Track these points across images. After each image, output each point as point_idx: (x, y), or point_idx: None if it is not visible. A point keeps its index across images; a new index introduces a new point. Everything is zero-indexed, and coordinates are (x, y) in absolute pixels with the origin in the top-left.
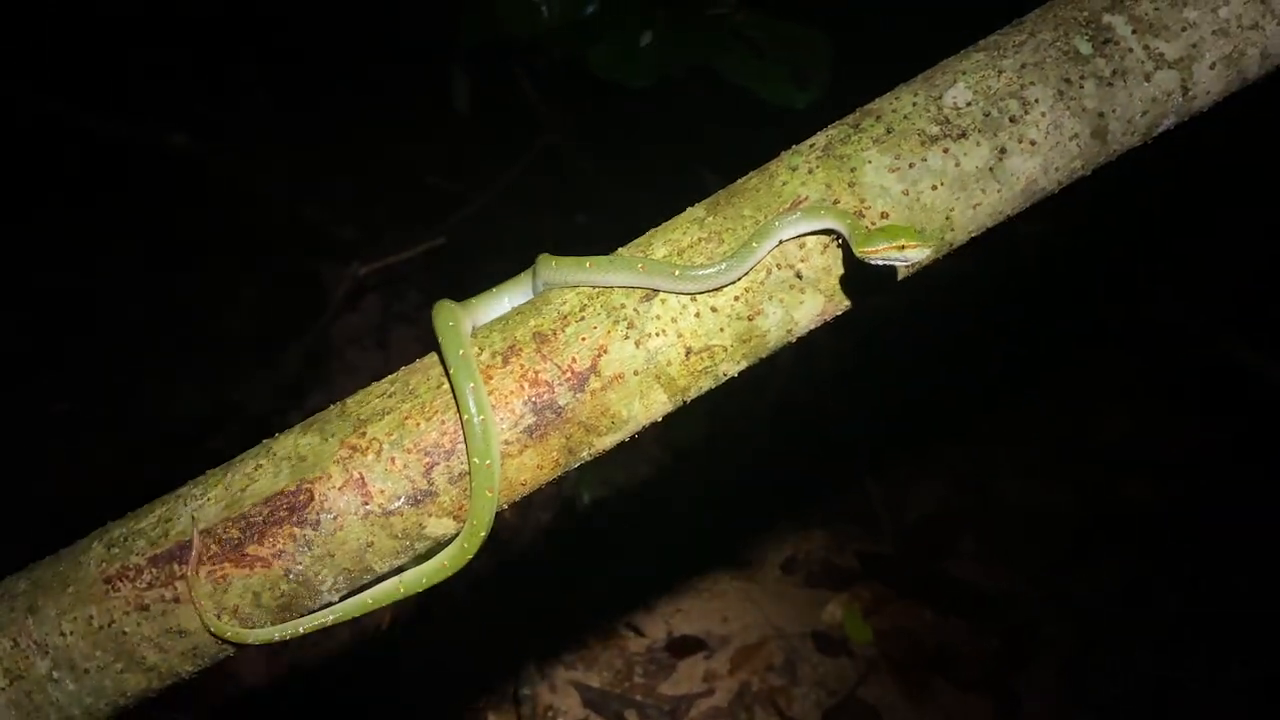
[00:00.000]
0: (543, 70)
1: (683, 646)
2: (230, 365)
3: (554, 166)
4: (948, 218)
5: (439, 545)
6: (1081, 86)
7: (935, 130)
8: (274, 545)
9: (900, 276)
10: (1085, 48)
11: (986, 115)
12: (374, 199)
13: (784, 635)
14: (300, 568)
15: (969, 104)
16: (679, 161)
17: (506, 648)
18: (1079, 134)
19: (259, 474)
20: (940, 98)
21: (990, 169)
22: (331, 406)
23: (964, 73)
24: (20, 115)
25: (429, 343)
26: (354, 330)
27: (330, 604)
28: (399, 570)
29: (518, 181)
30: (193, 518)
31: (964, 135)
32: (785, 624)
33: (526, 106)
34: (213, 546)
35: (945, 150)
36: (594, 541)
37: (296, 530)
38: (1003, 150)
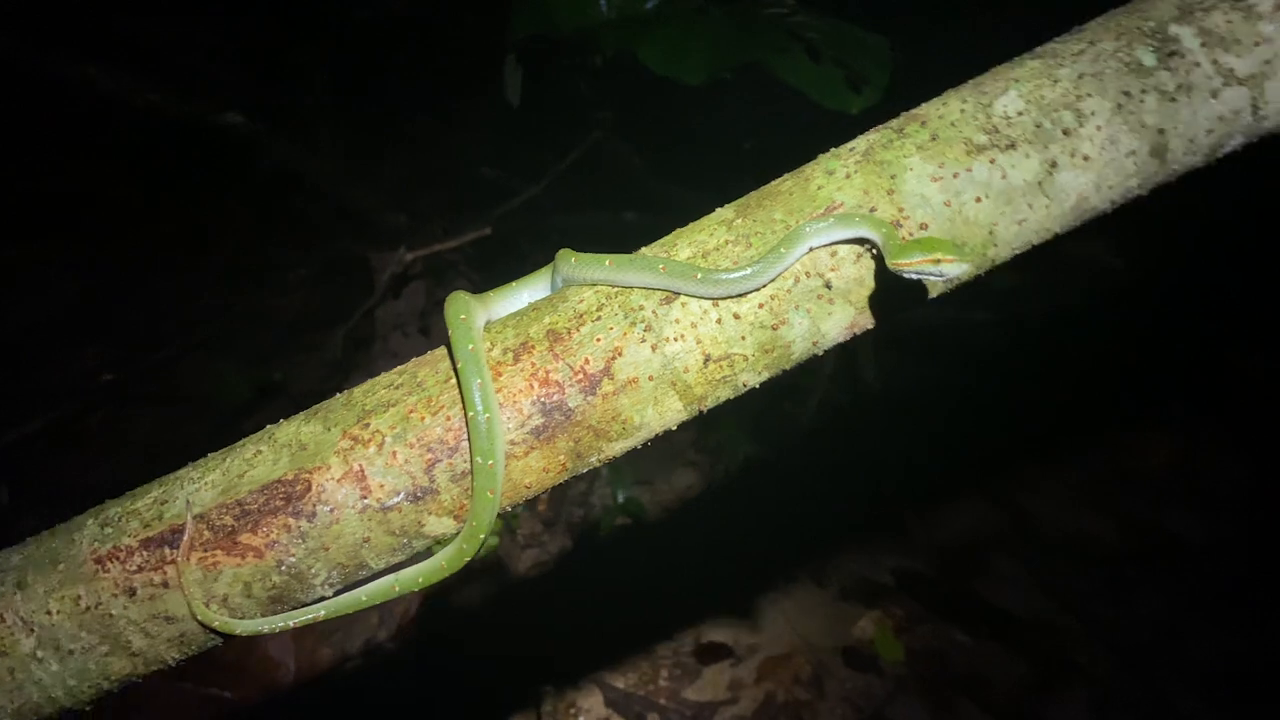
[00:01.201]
0: (595, 66)
1: (710, 653)
2: (277, 344)
3: (603, 162)
4: (991, 232)
5: (438, 544)
6: (1142, 100)
7: (983, 139)
8: (268, 535)
9: (935, 293)
10: (1149, 59)
11: (1038, 126)
12: (423, 187)
13: (813, 648)
14: (293, 560)
15: (1020, 113)
16: (729, 162)
17: (531, 643)
18: (1136, 151)
19: (258, 460)
20: (990, 105)
21: (1039, 183)
22: (338, 395)
23: (1017, 80)
24: (77, 89)
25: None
26: (398, 316)
27: (323, 599)
28: (395, 568)
29: (567, 175)
30: (188, 501)
31: (1013, 146)
32: (815, 637)
33: (577, 101)
34: (206, 532)
35: (992, 161)
36: (625, 542)
37: (292, 521)
38: (1053, 164)
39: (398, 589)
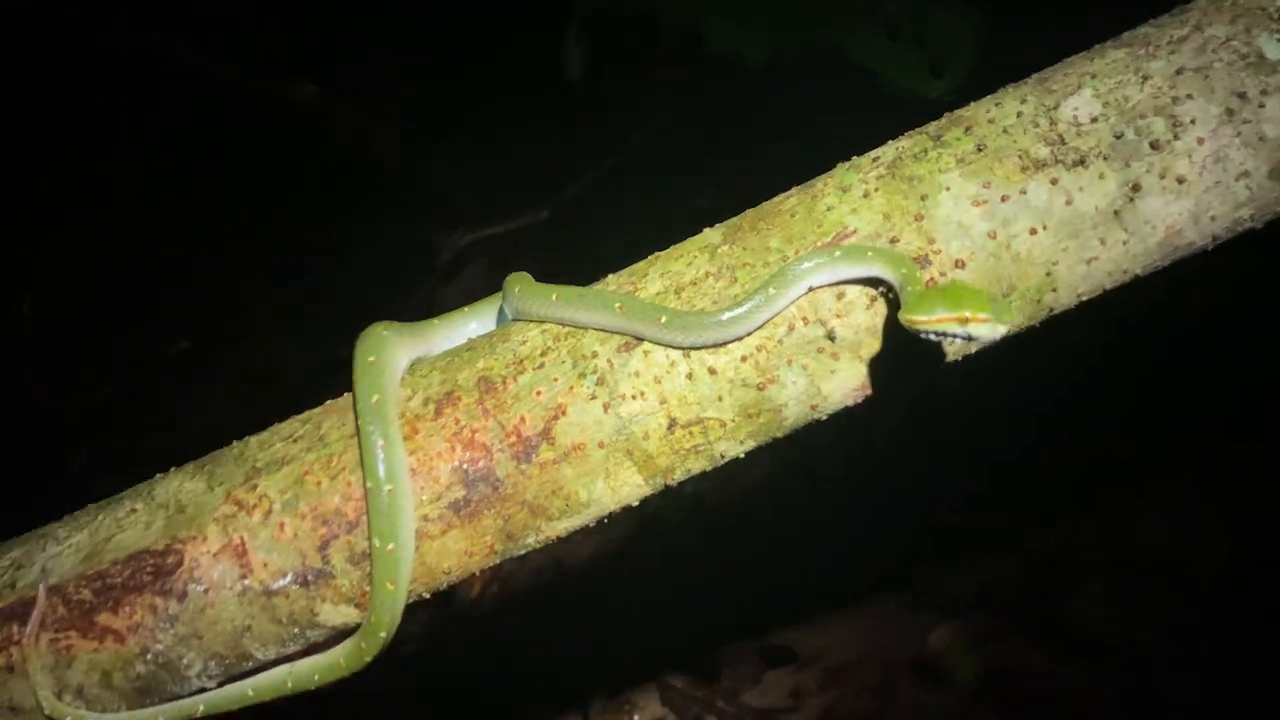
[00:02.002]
0: (658, 42)
1: (773, 656)
2: (342, 321)
3: (668, 144)
4: (1049, 274)
5: (341, 633)
6: (1262, 105)
7: (1043, 152)
8: (130, 616)
9: (955, 356)
10: (1273, 50)
11: (1118, 137)
12: (490, 166)
13: (882, 658)
14: (160, 647)
15: (1095, 120)
16: (799, 145)
17: (584, 634)
18: (1251, 172)
19: (130, 521)
20: (1056, 109)
21: (1115, 211)
22: (234, 443)
23: (1093, 76)
24: (147, 62)
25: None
26: (457, 298)
27: (203, 689)
28: (292, 657)
29: (634, 156)
30: (44, 569)
31: (1082, 163)
32: (885, 646)
33: (640, 80)
34: (60, 609)
35: (1054, 181)
36: (688, 536)
37: (159, 601)
38: (1136, 187)
39: (290, 685)
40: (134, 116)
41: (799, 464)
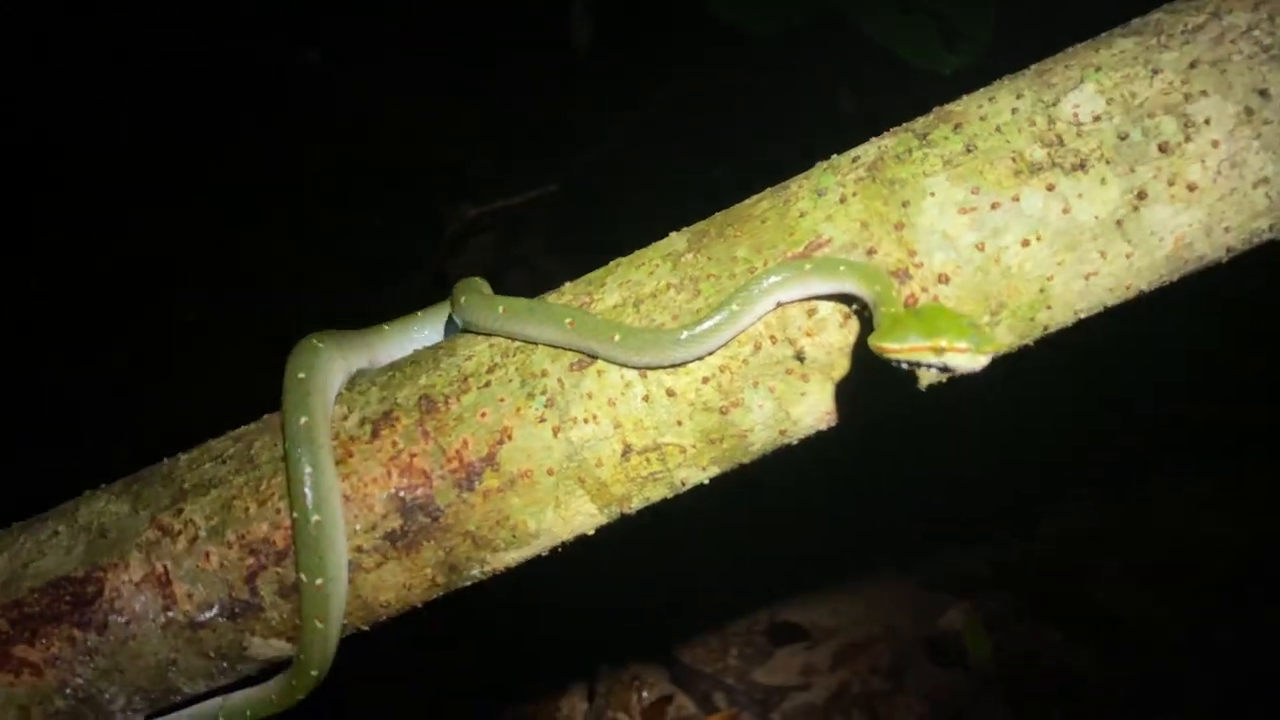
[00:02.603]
0: (668, 11)
1: (783, 633)
2: (351, 291)
3: (680, 114)
4: (1043, 290)
5: (275, 666)
6: None
7: (1039, 155)
8: (48, 648)
9: (928, 382)
10: None
11: (1123, 138)
12: (495, 136)
13: (895, 637)
14: (80, 681)
15: (1097, 118)
16: (813, 116)
17: (590, 608)
18: (1270, 178)
19: (51, 545)
20: (1055, 105)
21: (1118, 221)
22: (164, 461)
23: (1098, 68)
24: (151, 29)
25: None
26: (467, 269)
27: None
28: (224, 689)
29: (643, 127)
30: None
31: (1082, 166)
32: (898, 625)
33: (653, 49)
34: None
35: (1050, 187)
36: (698, 507)
37: (78, 633)
38: (1141, 194)
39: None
40: (135, 88)
41: (813, 439)
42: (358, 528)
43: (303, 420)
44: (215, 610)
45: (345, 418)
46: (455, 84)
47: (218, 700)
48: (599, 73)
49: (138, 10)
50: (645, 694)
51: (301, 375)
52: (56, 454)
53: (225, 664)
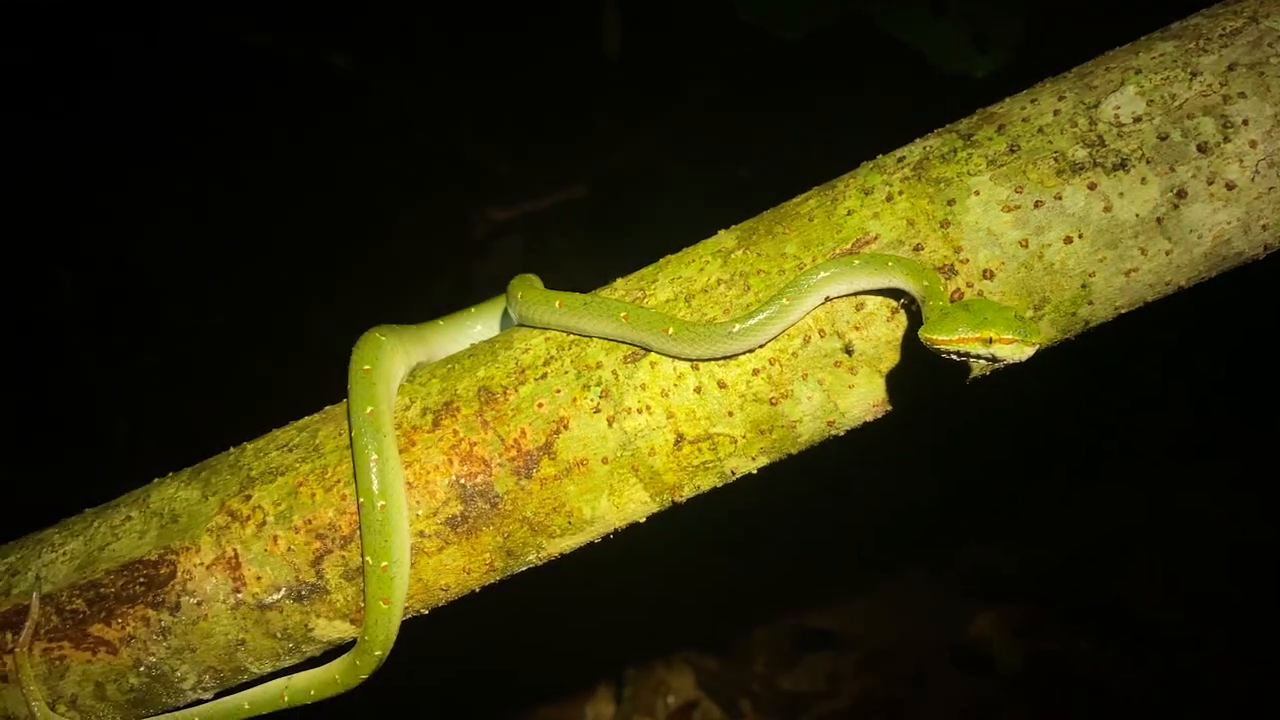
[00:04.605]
0: (695, 14)
1: (810, 640)
2: (378, 294)
3: (708, 116)
4: (1084, 285)
5: (339, 648)
6: None
7: (1081, 155)
8: (123, 628)
9: (976, 373)
10: None
11: (1163, 139)
12: (522, 139)
13: (922, 644)
14: (153, 659)
15: (1138, 120)
16: (841, 119)
17: (617, 613)
18: None
19: (125, 529)
20: (1096, 107)
21: (1159, 219)
22: (230, 449)
23: (1138, 71)
24: (185, 29)
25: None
26: (495, 271)
27: (200, 702)
28: (288, 670)
29: (671, 131)
30: (38, 576)
31: (1123, 166)
32: (925, 632)
33: (681, 51)
34: (54, 618)
35: (1092, 186)
36: (724, 515)
37: (151, 613)
38: (1181, 193)
39: (287, 699)
40: (166, 90)
41: (843, 440)
42: (420, 513)
43: (369, 410)
44: (282, 592)
45: (407, 408)
46: (484, 87)
47: (282, 681)
48: (627, 76)
49: (171, 13)
50: (671, 699)
51: (367, 367)
52: (89, 453)
53: (291, 645)
